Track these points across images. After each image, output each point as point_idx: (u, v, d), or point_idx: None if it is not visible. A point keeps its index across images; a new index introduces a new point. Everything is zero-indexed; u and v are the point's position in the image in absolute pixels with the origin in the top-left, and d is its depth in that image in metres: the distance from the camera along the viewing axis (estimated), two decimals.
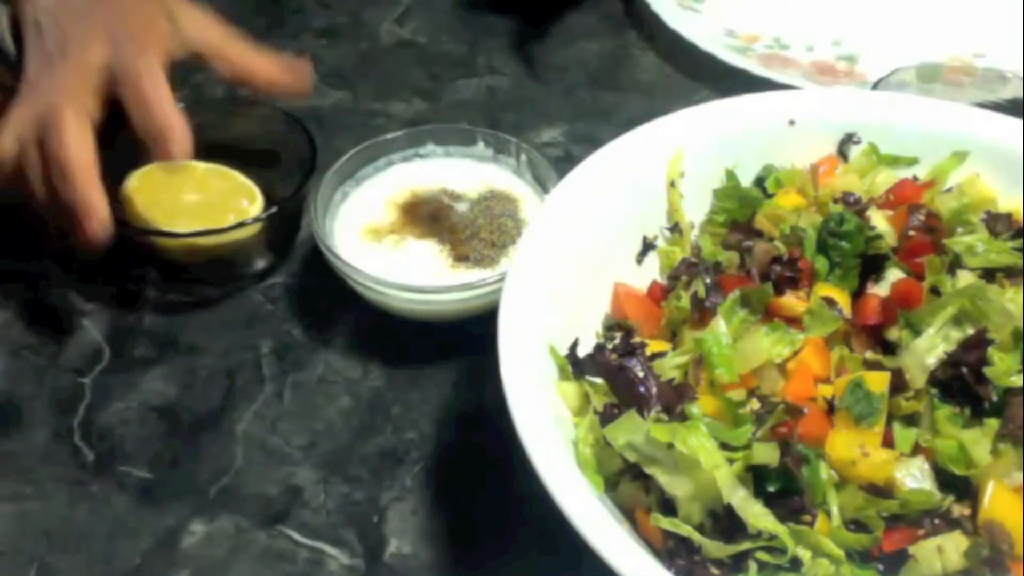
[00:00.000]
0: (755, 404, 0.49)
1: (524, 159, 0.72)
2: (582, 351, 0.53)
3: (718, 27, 0.97)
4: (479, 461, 0.61)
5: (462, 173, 0.73)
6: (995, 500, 0.45)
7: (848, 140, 0.64)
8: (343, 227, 0.69)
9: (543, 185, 0.70)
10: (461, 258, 0.67)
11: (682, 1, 0.99)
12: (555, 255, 0.55)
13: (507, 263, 0.64)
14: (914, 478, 0.47)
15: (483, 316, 0.61)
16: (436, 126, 0.75)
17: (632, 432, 0.47)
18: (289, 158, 0.72)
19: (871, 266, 0.56)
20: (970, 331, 0.48)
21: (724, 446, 0.46)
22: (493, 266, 0.66)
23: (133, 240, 0.66)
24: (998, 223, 0.57)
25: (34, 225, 0.66)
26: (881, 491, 0.47)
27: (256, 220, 0.67)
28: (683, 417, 0.48)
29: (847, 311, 0.54)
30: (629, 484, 0.49)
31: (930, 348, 0.49)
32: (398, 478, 0.60)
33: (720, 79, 0.89)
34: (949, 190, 0.61)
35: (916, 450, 0.48)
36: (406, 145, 0.74)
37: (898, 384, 0.49)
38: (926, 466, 0.47)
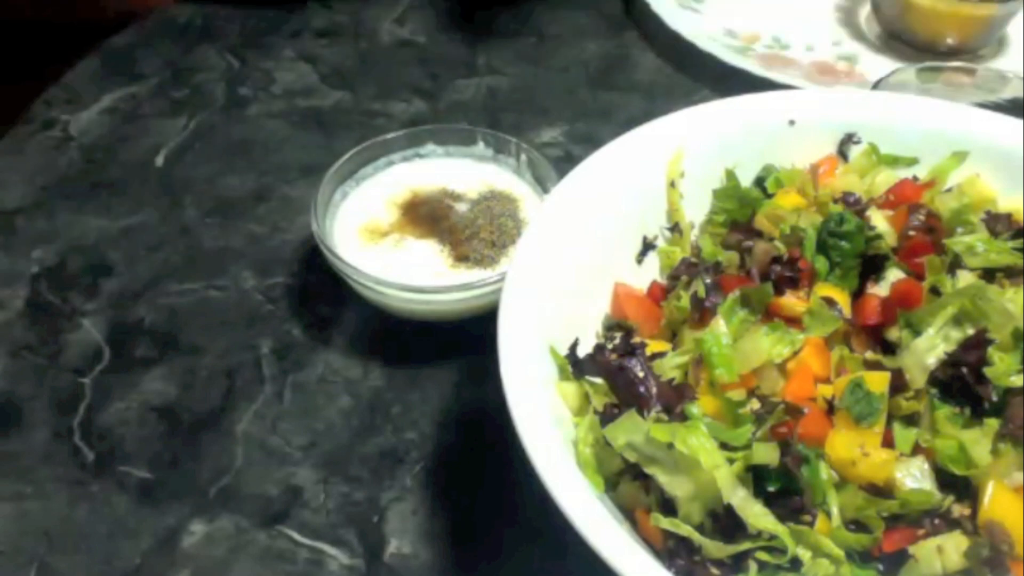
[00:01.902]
0: (755, 404, 0.49)
1: (524, 159, 0.72)
2: (582, 351, 0.53)
3: (718, 27, 0.97)
4: (479, 461, 0.61)
5: (462, 173, 0.73)
6: (995, 500, 0.45)
7: (848, 140, 0.64)
8: (343, 227, 0.69)
9: (543, 185, 0.70)
10: (461, 258, 0.67)
11: (682, 1, 0.99)
12: (555, 255, 0.55)
13: (507, 263, 0.64)
14: (914, 478, 0.47)
15: (483, 316, 0.61)
16: (436, 126, 0.75)
17: (632, 432, 0.47)
18: None
19: (871, 266, 0.56)
20: (970, 331, 0.48)
21: (724, 446, 0.46)
22: (493, 266, 0.66)
23: None
24: (998, 223, 0.57)
25: None
26: (881, 491, 0.47)
27: None
28: (683, 417, 0.48)
29: (847, 311, 0.54)
30: (629, 484, 0.49)
31: (930, 348, 0.49)
32: (398, 478, 0.60)
33: (720, 79, 0.89)
34: (949, 190, 0.61)
35: (916, 450, 0.48)
36: (406, 145, 0.74)
37: (898, 384, 0.49)
38: (926, 466, 0.47)
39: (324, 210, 0.68)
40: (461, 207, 0.71)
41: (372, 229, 0.69)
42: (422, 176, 0.73)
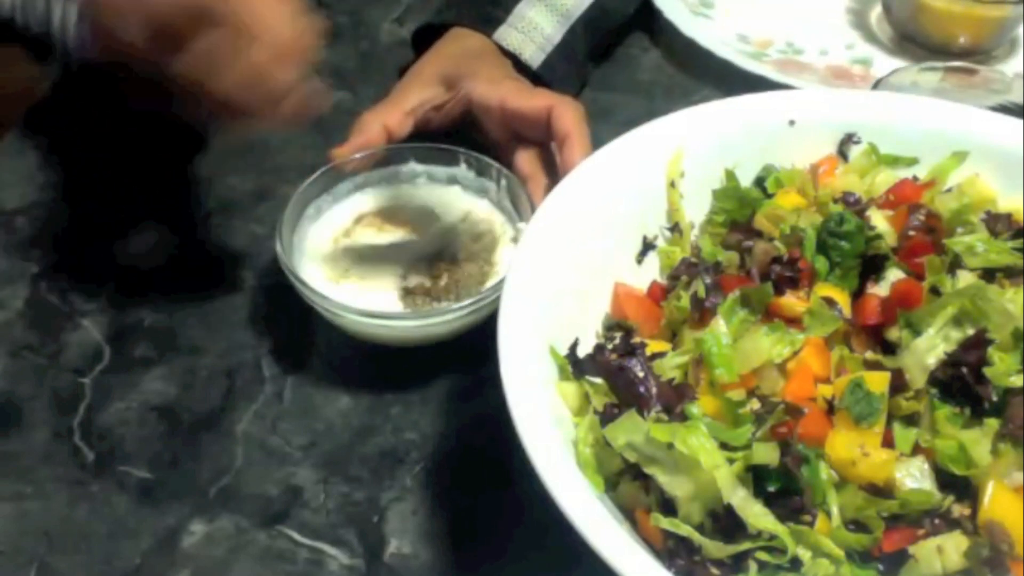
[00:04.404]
0: (755, 404, 0.49)
1: (504, 184, 0.70)
2: (582, 351, 0.53)
3: (731, 33, 0.97)
4: (479, 461, 0.61)
5: (441, 195, 0.71)
6: (995, 500, 0.45)
7: (848, 140, 0.64)
8: (314, 244, 0.68)
9: (520, 213, 0.68)
10: (419, 288, 0.66)
11: (694, 8, 0.99)
12: (555, 255, 0.55)
13: (475, 293, 0.63)
14: (914, 478, 0.47)
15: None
16: (418, 144, 0.72)
17: (632, 432, 0.47)
18: None
19: (871, 266, 0.56)
20: (970, 331, 0.48)
21: (724, 446, 0.46)
22: (457, 295, 0.65)
23: None
24: (998, 223, 0.57)
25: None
26: (881, 491, 0.47)
27: None
28: (683, 417, 0.48)
29: (847, 311, 0.54)
30: (629, 484, 0.49)
31: (930, 348, 0.49)
32: (398, 478, 0.60)
33: (720, 79, 0.89)
34: (949, 190, 0.61)
35: (916, 450, 0.48)
36: (387, 162, 0.72)
37: (898, 384, 0.49)
38: (926, 466, 0.47)
39: (292, 228, 0.66)
40: (434, 231, 0.69)
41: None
42: (400, 195, 0.71)
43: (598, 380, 0.51)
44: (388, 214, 0.70)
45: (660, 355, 0.53)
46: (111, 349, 0.67)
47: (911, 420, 0.49)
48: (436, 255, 0.68)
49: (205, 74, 0.55)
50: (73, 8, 0.68)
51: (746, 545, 0.45)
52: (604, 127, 0.69)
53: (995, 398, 0.47)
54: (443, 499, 0.59)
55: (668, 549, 0.47)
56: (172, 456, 0.61)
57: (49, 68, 0.73)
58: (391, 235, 0.69)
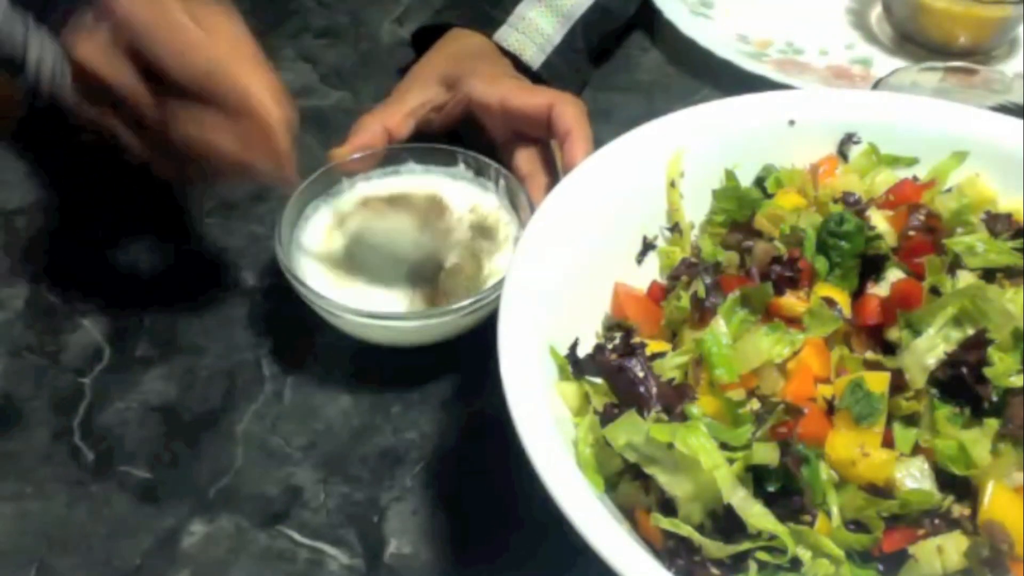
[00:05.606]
0: (755, 404, 0.49)
1: (502, 184, 0.70)
2: (582, 351, 0.53)
3: (731, 33, 0.97)
4: (479, 461, 0.61)
5: (441, 193, 0.71)
6: (995, 500, 0.45)
7: (848, 140, 0.64)
8: (310, 243, 0.68)
9: (518, 212, 0.68)
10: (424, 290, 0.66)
11: (694, 8, 0.99)
12: (555, 255, 0.55)
13: (475, 293, 0.63)
14: (914, 478, 0.47)
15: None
16: (417, 144, 0.72)
17: (632, 432, 0.47)
18: None
19: (871, 266, 0.56)
20: (970, 331, 0.48)
21: (724, 446, 0.46)
22: (457, 296, 0.64)
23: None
24: (998, 223, 0.57)
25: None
26: (881, 491, 0.47)
27: None
28: (683, 417, 0.48)
29: (847, 311, 0.54)
30: (629, 484, 0.49)
31: (930, 348, 0.49)
32: (398, 478, 0.60)
33: (721, 79, 0.89)
34: (949, 190, 0.61)
35: (916, 450, 0.48)
36: (386, 162, 0.71)
37: (898, 384, 0.49)
38: (926, 466, 0.47)
39: (292, 228, 0.66)
40: (435, 228, 0.69)
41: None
42: (401, 185, 0.71)
43: (598, 380, 0.51)
44: (389, 202, 0.70)
45: (660, 355, 0.53)
46: (111, 349, 0.67)
47: (911, 420, 0.49)
48: (436, 252, 0.67)
49: (197, 143, 0.56)
50: (51, 49, 0.67)
51: (746, 545, 0.45)
52: (604, 127, 0.69)
53: (995, 398, 0.47)
54: (443, 499, 0.59)
55: (668, 549, 0.47)
56: (172, 456, 0.61)
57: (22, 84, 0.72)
58: (391, 221, 0.69)
